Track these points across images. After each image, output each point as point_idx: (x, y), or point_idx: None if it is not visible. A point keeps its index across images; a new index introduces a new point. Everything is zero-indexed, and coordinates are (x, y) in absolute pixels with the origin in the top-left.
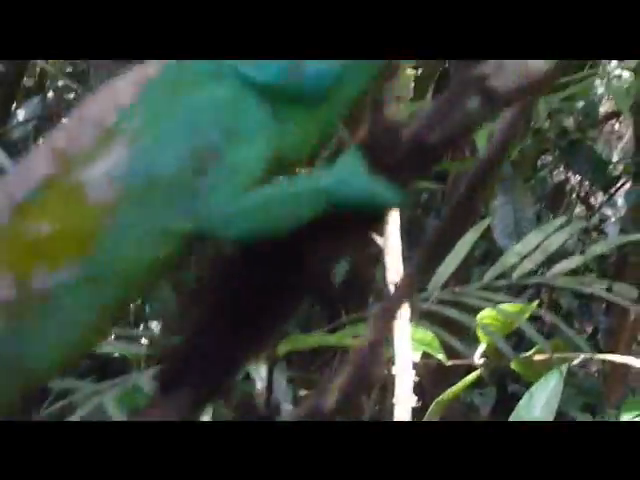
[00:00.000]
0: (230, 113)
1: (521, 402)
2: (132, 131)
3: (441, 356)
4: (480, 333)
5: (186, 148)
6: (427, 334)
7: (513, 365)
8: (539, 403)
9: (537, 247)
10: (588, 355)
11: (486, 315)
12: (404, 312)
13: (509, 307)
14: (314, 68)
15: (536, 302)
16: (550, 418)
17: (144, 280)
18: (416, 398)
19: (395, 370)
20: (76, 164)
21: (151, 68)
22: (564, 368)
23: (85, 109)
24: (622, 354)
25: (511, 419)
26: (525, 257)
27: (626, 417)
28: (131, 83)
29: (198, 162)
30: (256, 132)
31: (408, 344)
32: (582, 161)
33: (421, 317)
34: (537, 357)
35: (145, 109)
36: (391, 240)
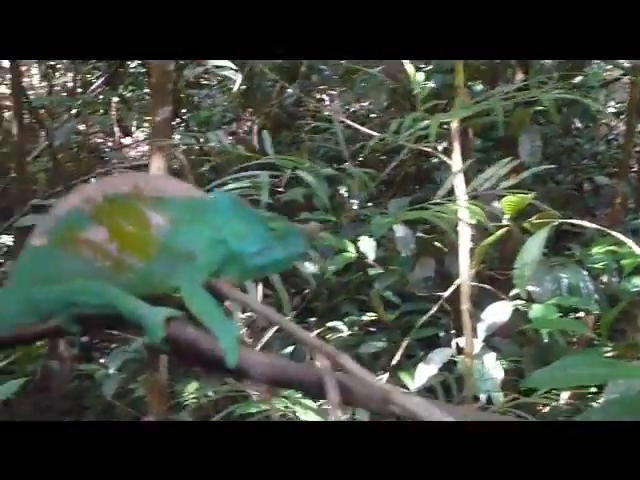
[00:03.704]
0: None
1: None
2: (175, 216)
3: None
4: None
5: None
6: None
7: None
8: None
9: None
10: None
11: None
12: None
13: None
14: (280, 257)
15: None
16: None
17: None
18: None
19: None
20: (147, 201)
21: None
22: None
23: (167, 179)
24: None
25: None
26: None
27: None
28: (186, 190)
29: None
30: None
31: None
32: None
33: None
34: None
35: (185, 210)
36: None
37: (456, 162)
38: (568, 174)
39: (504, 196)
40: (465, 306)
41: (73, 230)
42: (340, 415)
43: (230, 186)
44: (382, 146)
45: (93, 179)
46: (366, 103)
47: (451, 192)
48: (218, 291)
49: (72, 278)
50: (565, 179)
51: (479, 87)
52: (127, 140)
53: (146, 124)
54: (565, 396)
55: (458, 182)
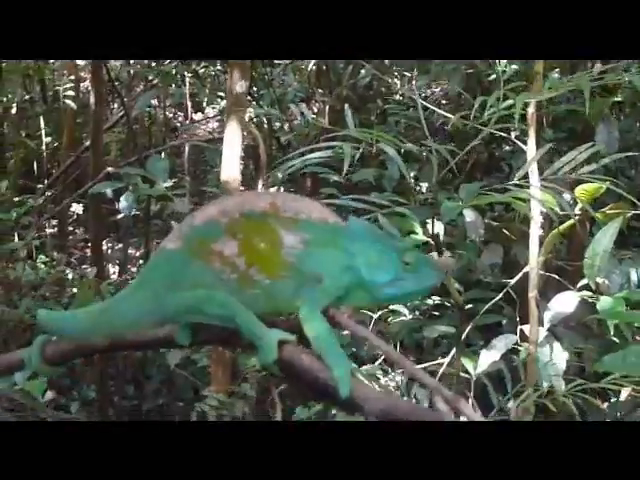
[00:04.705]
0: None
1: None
2: (308, 238)
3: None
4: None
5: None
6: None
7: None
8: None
9: None
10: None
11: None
12: None
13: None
14: (408, 291)
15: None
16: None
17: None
18: None
19: None
20: (282, 220)
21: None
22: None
23: (303, 200)
24: None
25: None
26: None
27: None
28: (321, 212)
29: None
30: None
31: None
32: None
33: None
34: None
35: (319, 234)
36: None
37: (531, 149)
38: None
39: (577, 184)
40: (532, 294)
41: (207, 241)
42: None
43: (311, 155)
44: (463, 126)
45: (163, 153)
46: (437, 89)
47: (525, 178)
48: (336, 321)
49: (200, 287)
50: (637, 174)
51: (555, 76)
52: (198, 116)
53: (218, 100)
54: (625, 394)
55: (532, 168)
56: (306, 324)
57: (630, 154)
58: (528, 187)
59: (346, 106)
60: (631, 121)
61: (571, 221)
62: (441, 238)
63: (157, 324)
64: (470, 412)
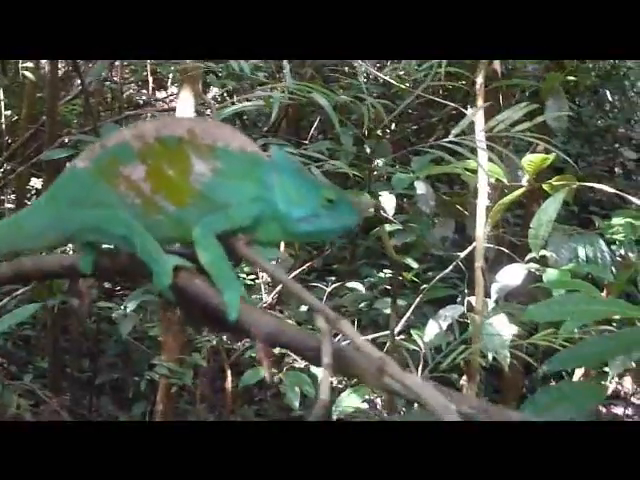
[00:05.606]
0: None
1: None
2: (221, 166)
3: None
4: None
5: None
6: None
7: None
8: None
9: None
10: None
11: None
12: None
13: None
14: (326, 230)
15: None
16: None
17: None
18: None
19: None
20: (197, 147)
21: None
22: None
23: (225, 128)
24: None
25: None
26: None
27: None
28: (241, 142)
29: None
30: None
31: None
32: None
33: None
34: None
35: (234, 163)
36: None
37: (480, 118)
38: (600, 155)
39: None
40: (478, 264)
41: (116, 163)
42: (330, 380)
43: (245, 103)
44: (405, 92)
45: (124, 126)
46: (402, 72)
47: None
48: (232, 247)
49: (104, 208)
50: (597, 160)
51: None
52: (162, 94)
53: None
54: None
55: (480, 137)
56: (198, 247)
57: (565, 113)
58: (467, 145)
59: (285, 62)
60: (593, 108)
61: (518, 191)
62: (392, 209)
63: (59, 240)
64: (351, 332)
